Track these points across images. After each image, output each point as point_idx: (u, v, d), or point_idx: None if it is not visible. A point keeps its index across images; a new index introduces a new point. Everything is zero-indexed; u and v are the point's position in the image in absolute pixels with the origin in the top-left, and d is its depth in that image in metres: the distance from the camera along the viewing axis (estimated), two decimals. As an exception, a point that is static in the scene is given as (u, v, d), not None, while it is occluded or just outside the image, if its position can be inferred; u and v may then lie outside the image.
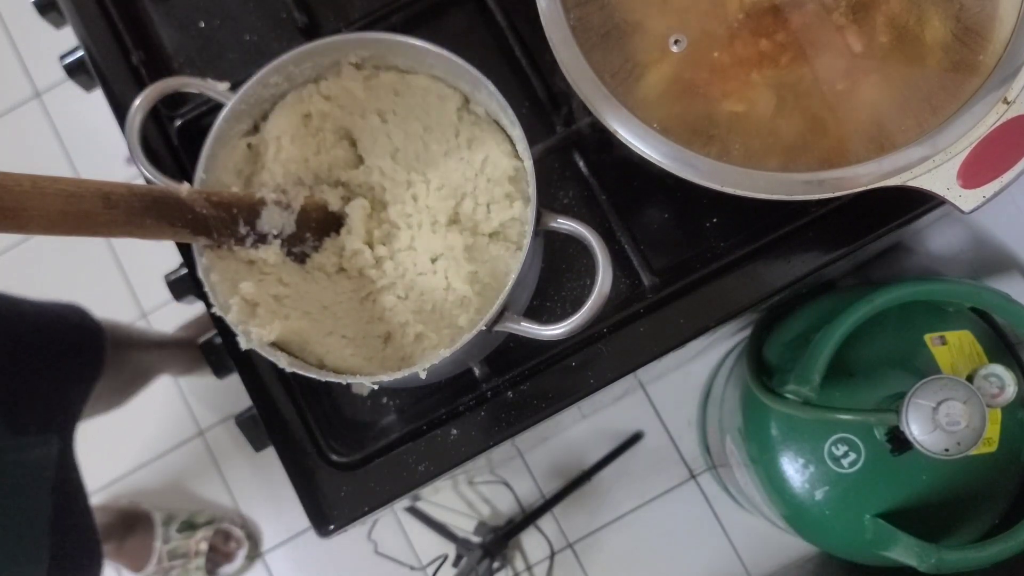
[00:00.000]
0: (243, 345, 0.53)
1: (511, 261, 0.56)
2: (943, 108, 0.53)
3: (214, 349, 0.66)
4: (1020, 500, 0.77)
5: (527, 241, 0.52)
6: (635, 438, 1.38)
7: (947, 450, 0.61)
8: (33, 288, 0.87)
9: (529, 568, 1.38)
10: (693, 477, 1.38)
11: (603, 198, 0.64)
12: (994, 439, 0.73)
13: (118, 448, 1.46)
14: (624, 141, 0.54)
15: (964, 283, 0.75)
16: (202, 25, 0.70)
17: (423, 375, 0.51)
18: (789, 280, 0.62)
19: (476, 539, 1.33)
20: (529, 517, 1.35)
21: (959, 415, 0.61)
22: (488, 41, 0.68)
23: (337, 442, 0.63)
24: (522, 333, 0.51)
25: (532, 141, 0.55)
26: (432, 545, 1.38)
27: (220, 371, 0.66)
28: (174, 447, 1.48)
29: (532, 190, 0.53)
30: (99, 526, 0.85)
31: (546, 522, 1.37)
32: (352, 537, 1.37)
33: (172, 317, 1.43)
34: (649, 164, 0.54)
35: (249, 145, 0.60)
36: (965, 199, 0.51)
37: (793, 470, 0.77)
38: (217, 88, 0.59)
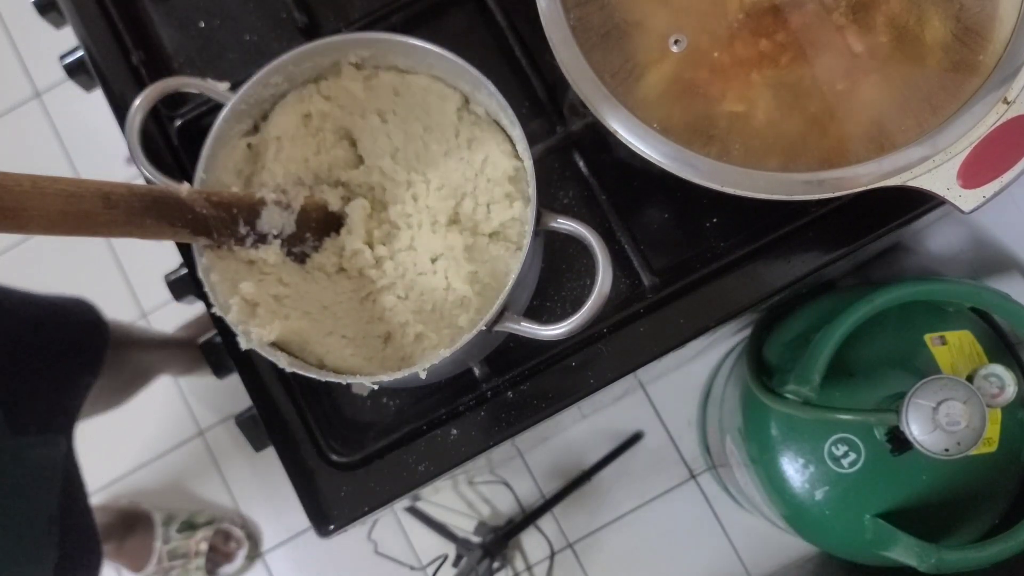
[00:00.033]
0: (243, 345, 0.53)
1: (511, 261, 0.56)
2: (943, 108, 0.53)
3: (214, 349, 0.66)
4: (1020, 500, 0.77)
5: (527, 241, 0.52)
6: (635, 438, 1.38)
7: (947, 450, 0.61)
8: (33, 288, 0.87)
9: (529, 568, 1.38)
10: (693, 477, 1.38)
11: (603, 198, 0.64)
12: (994, 439, 0.73)
13: (118, 448, 1.46)
14: (624, 141, 0.54)
15: (964, 283, 0.75)
16: (202, 25, 0.70)
17: (423, 375, 0.51)
18: (789, 280, 0.62)
19: (476, 539, 1.33)
20: (529, 517, 1.35)
21: (959, 415, 0.61)
22: (488, 41, 0.68)
23: (337, 442, 0.63)
24: (522, 333, 0.51)
25: (532, 141, 0.55)
26: (432, 545, 1.38)
27: (220, 371, 0.66)
28: (174, 447, 1.48)
29: (532, 190, 0.53)
30: (99, 526, 0.85)
31: (546, 522, 1.37)
32: (352, 537, 1.37)
33: (172, 317, 1.43)
34: (649, 164, 0.54)
35: (249, 145, 0.60)
36: (965, 199, 0.51)
37: (793, 470, 0.77)
38: (217, 88, 0.59)
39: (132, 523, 1.41)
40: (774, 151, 0.55)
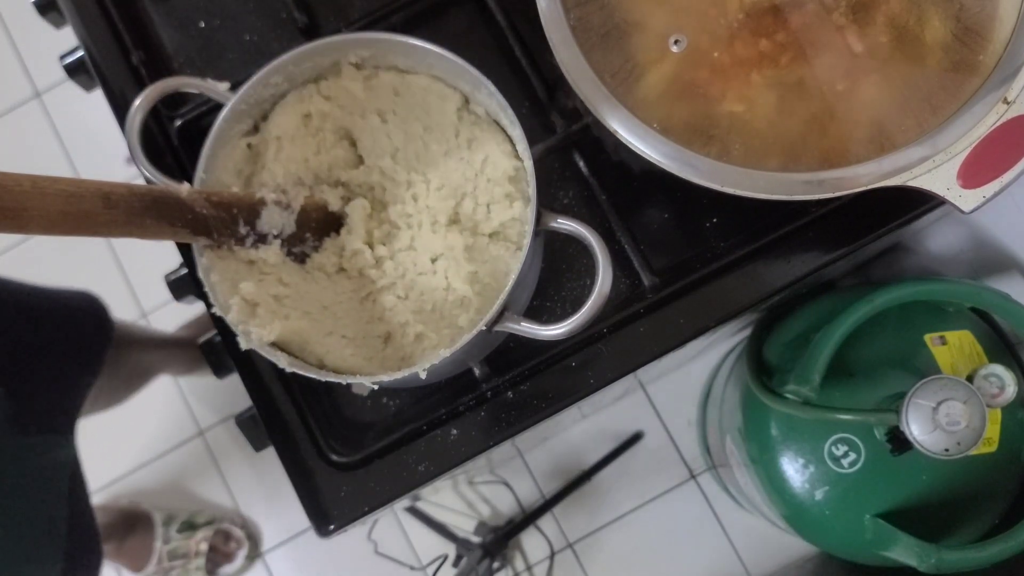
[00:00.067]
0: (243, 345, 0.53)
1: (511, 261, 0.56)
2: (943, 108, 0.53)
3: (214, 349, 0.66)
4: (1020, 500, 0.77)
5: (527, 241, 0.52)
6: (635, 438, 1.38)
7: (947, 450, 0.61)
8: (33, 288, 0.87)
9: (529, 568, 1.38)
10: (693, 477, 1.38)
11: (603, 198, 0.64)
12: (994, 439, 0.73)
13: (118, 448, 1.46)
14: (624, 141, 0.54)
15: (964, 283, 0.75)
16: (202, 25, 0.70)
17: (423, 375, 0.51)
18: (789, 280, 0.62)
19: (476, 539, 1.33)
20: (529, 517, 1.35)
21: (959, 415, 0.61)
22: (488, 41, 0.68)
23: (337, 442, 0.63)
24: (522, 333, 0.51)
25: (532, 141, 0.55)
26: (432, 545, 1.38)
27: (220, 371, 0.66)
28: (174, 447, 1.48)
29: (532, 190, 0.53)
30: (99, 526, 0.85)
31: (546, 522, 1.37)
32: (352, 537, 1.37)
33: (172, 317, 1.43)
34: (649, 164, 0.54)
35: (249, 145, 0.60)
36: (965, 199, 0.51)
37: (793, 470, 0.77)
38: (217, 88, 0.59)
39: (132, 523, 1.41)
40: (774, 151, 0.55)
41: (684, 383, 1.35)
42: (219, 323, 0.62)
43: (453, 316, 0.56)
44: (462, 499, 1.40)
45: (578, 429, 1.38)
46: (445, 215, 0.57)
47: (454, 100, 0.59)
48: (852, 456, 0.74)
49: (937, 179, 0.52)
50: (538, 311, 0.64)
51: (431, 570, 1.37)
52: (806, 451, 0.77)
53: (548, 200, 0.66)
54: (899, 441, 0.68)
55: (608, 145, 0.65)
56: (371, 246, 0.59)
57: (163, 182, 0.56)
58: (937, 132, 0.52)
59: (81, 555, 0.79)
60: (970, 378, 0.64)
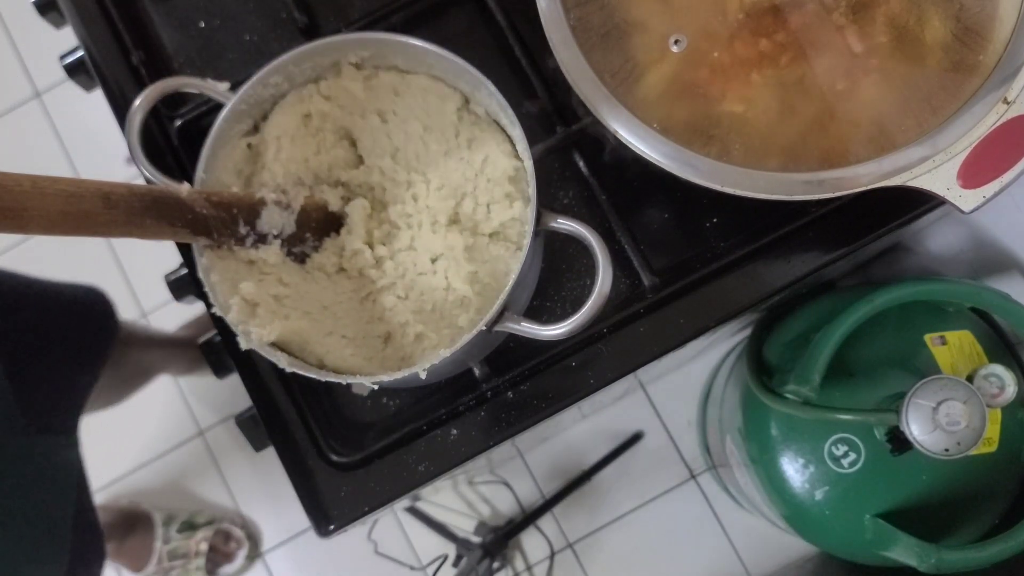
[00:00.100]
0: (243, 345, 0.53)
1: (511, 261, 0.56)
2: (943, 108, 0.53)
3: (214, 349, 0.66)
4: (1020, 500, 0.77)
5: (527, 241, 0.52)
6: (635, 438, 1.38)
7: (947, 450, 0.61)
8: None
9: (529, 568, 1.38)
10: (693, 477, 1.38)
11: (603, 198, 0.64)
12: (994, 439, 0.73)
13: (118, 448, 1.46)
14: (624, 141, 0.54)
15: (964, 283, 0.75)
16: (202, 25, 0.70)
17: (423, 375, 0.51)
18: (789, 280, 0.62)
19: (476, 539, 1.33)
20: (529, 517, 1.35)
21: (959, 415, 0.61)
22: (488, 41, 0.68)
23: (337, 442, 0.63)
24: (522, 333, 0.51)
25: (532, 141, 0.55)
26: (432, 545, 1.38)
27: (220, 371, 0.66)
28: (174, 447, 1.48)
29: (532, 190, 0.53)
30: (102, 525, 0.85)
31: (546, 522, 1.37)
32: (352, 537, 1.37)
33: (172, 317, 1.43)
34: (649, 164, 0.54)
35: (249, 145, 0.60)
36: (965, 199, 0.51)
37: (793, 470, 0.77)
38: (217, 88, 0.59)
39: (132, 523, 1.41)
40: (774, 151, 0.55)
41: (684, 383, 1.35)
42: (219, 323, 0.62)
43: (453, 316, 0.56)
44: (462, 499, 1.40)
45: (578, 429, 1.38)
46: (445, 215, 0.57)
47: (454, 100, 0.59)
48: (852, 456, 0.74)
49: (937, 179, 0.52)
50: (538, 311, 0.64)
51: (431, 570, 1.37)
52: (806, 451, 0.77)
53: (548, 200, 0.66)
54: (899, 441, 0.68)
55: (608, 145, 0.65)
56: (371, 246, 0.59)
57: (163, 182, 0.56)
58: (937, 132, 0.52)
59: (85, 554, 0.79)
60: (970, 378, 0.64)
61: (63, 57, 0.72)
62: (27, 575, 0.70)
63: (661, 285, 0.62)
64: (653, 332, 0.62)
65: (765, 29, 0.56)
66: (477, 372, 0.62)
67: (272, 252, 0.56)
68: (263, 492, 1.45)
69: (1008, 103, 0.52)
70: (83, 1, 0.69)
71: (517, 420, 0.62)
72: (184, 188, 0.52)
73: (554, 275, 0.65)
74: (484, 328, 0.51)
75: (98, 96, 0.70)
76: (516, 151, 0.58)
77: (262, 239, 0.56)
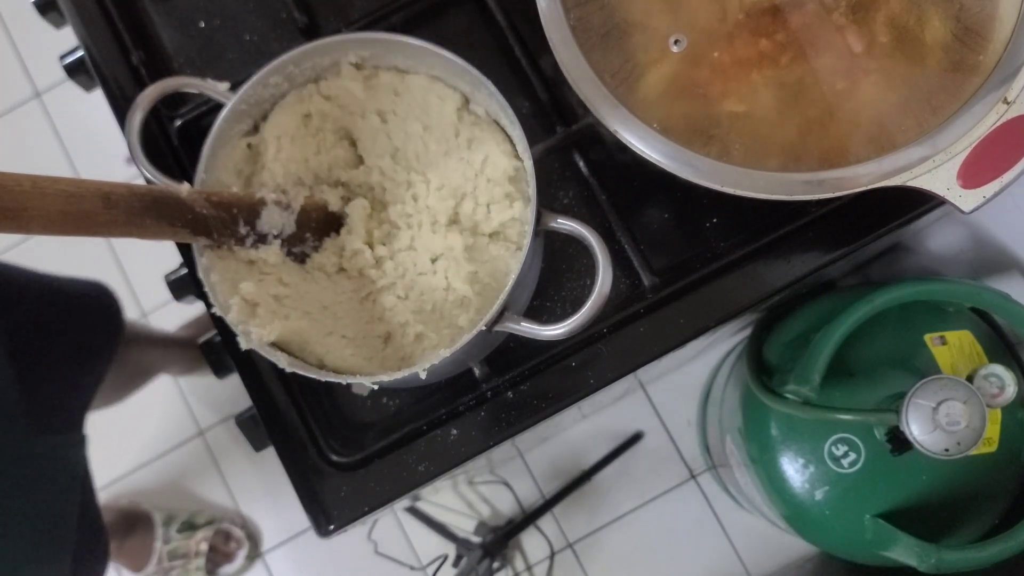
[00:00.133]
0: (243, 345, 0.53)
1: (511, 261, 0.56)
2: (943, 108, 0.53)
3: (214, 349, 0.66)
4: (1020, 500, 0.77)
5: (527, 241, 0.52)
6: (635, 438, 1.38)
7: (947, 450, 0.61)
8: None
9: (529, 568, 1.38)
10: (693, 477, 1.38)
11: (603, 198, 0.64)
12: (994, 439, 0.73)
13: (118, 448, 1.46)
14: (624, 141, 0.54)
15: (964, 283, 0.75)
16: (202, 25, 0.70)
17: (423, 375, 0.51)
18: (789, 280, 0.62)
19: (476, 539, 1.33)
20: (529, 517, 1.35)
21: (959, 415, 0.61)
22: (488, 41, 0.68)
23: (337, 442, 0.63)
24: (522, 333, 0.51)
25: (532, 141, 0.55)
26: (432, 545, 1.38)
27: (220, 371, 0.66)
28: (174, 447, 1.48)
29: (532, 190, 0.53)
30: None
31: (546, 522, 1.37)
32: (352, 537, 1.37)
33: (172, 317, 1.43)
34: (649, 164, 0.54)
35: (249, 145, 0.60)
36: (965, 199, 0.51)
37: (793, 470, 0.77)
38: (217, 88, 0.59)
39: (132, 523, 1.41)
40: (774, 151, 0.55)
41: (684, 383, 1.35)
42: (219, 323, 0.62)
43: (453, 316, 0.56)
44: (462, 499, 1.40)
45: (578, 429, 1.38)
46: (445, 215, 0.57)
47: (454, 100, 0.59)
48: (852, 456, 0.74)
49: (937, 179, 0.52)
50: (538, 311, 0.64)
51: (431, 570, 1.37)
52: (806, 451, 0.77)
53: (548, 200, 0.66)
54: (899, 441, 0.68)
55: (608, 145, 0.65)
56: (371, 246, 0.59)
57: (163, 182, 0.56)
58: (937, 132, 0.52)
59: (88, 554, 0.79)
60: (970, 378, 0.64)
61: (63, 57, 0.72)
62: (28, 575, 0.70)
63: (661, 285, 0.62)
64: (653, 332, 0.62)
65: (765, 29, 0.56)
66: (477, 372, 0.62)
67: (272, 252, 0.56)
68: (263, 492, 1.45)
69: (1008, 103, 0.52)
70: (83, 1, 0.69)
71: (517, 420, 0.62)
72: (184, 188, 0.52)
73: (554, 275, 0.65)
74: (484, 328, 0.51)
75: (98, 96, 0.70)
76: (516, 151, 0.58)
77: (262, 239, 0.56)
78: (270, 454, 0.65)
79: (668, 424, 1.39)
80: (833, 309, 0.76)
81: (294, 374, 0.53)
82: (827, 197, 0.53)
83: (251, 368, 0.64)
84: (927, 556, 0.66)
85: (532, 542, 1.38)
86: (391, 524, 1.40)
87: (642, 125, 0.54)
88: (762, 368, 0.83)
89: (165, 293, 0.67)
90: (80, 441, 0.81)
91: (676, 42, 0.56)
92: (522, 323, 0.51)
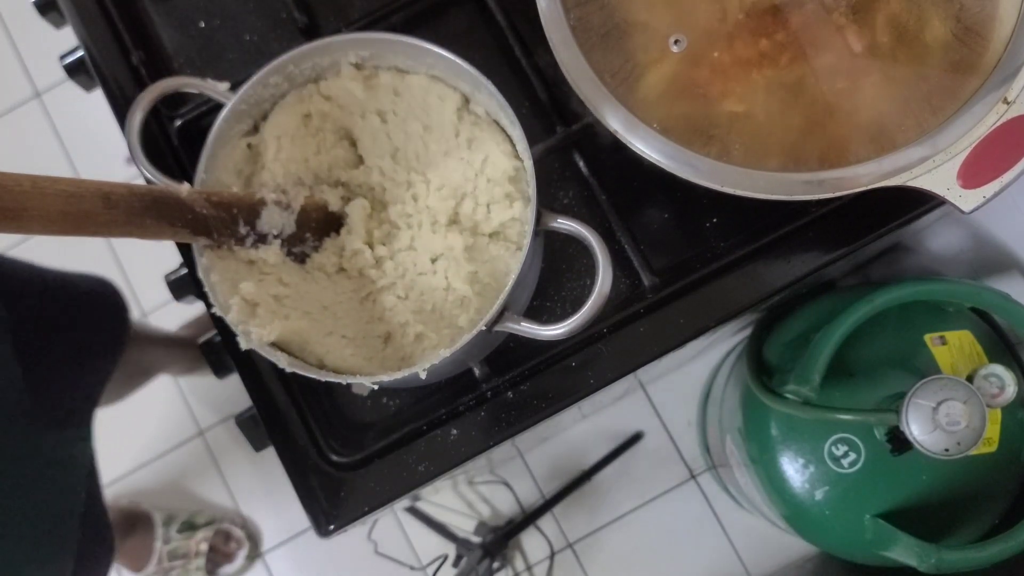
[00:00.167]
0: (243, 345, 0.53)
1: (511, 261, 0.56)
2: (943, 108, 0.53)
3: (214, 349, 0.66)
4: (1020, 500, 0.77)
5: (527, 241, 0.52)
6: (635, 438, 1.38)
7: (947, 450, 0.61)
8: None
9: (529, 568, 1.38)
10: (693, 477, 1.38)
11: (603, 198, 0.64)
12: (994, 439, 0.73)
13: (118, 448, 1.46)
14: (624, 141, 0.54)
15: (964, 283, 0.75)
16: (202, 25, 0.70)
17: (423, 375, 0.51)
18: (789, 280, 0.62)
19: (476, 539, 1.33)
20: (529, 517, 1.35)
21: (959, 415, 0.61)
22: (488, 41, 0.68)
23: (337, 442, 0.63)
24: (522, 333, 0.51)
25: (532, 141, 0.55)
26: (432, 545, 1.38)
27: (220, 371, 0.66)
28: (174, 447, 1.48)
29: (532, 190, 0.53)
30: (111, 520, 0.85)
31: (546, 522, 1.37)
32: (352, 537, 1.37)
33: (172, 317, 1.43)
34: (649, 164, 0.54)
35: (249, 145, 0.60)
36: (965, 199, 0.51)
37: (793, 470, 0.77)
38: (217, 88, 0.59)
39: (132, 523, 1.41)
40: (774, 151, 0.55)
41: (684, 383, 1.35)
42: (219, 323, 0.62)
43: (453, 316, 0.56)
44: (462, 499, 1.40)
45: (578, 429, 1.38)
46: (445, 215, 0.57)
47: (454, 100, 0.59)
48: (852, 456, 0.74)
49: (937, 179, 0.52)
50: (538, 311, 0.64)
51: (431, 570, 1.37)
52: (806, 451, 0.77)
53: (548, 200, 0.66)
54: (899, 441, 0.68)
55: (608, 145, 0.65)
56: (371, 246, 0.59)
57: (163, 182, 0.56)
58: (937, 132, 0.52)
59: (93, 550, 0.79)
60: (970, 378, 0.64)
61: (63, 57, 0.72)
62: (31, 573, 0.70)
63: (661, 285, 0.62)
64: (653, 332, 0.62)
65: (765, 29, 0.56)
66: (477, 372, 0.62)
67: (272, 252, 0.56)
68: (263, 492, 1.45)
69: (1008, 103, 0.52)
70: (83, 1, 0.69)
71: (517, 420, 0.62)
72: (184, 188, 0.52)
73: (554, 275, 0.65)
74: (484, 328, 0.51)
75: (98, 96, 0.70)
76: (516, 151, 0.58)
77: (262, 239, 0.56)
78: (270, 454, 0.65)
79: (668, 424, 1.39)
80: (833, 309, 0.76)
81: (294, 374, 0.53)
82: (827, 197, 0.53)
83: (251, 368, 0.64)
84: (927, 556, 0.66)
85: (532, 542, 1.38)
86: (391, 524, 1.40)
87: (642, 125, 0.54)
88: (762, 368, 0.83)
89: (165, 293, 0.67)
90: (86, 437, 0.80)
91: (676, 42, 0.56)
92: (522, 323, 0.51)
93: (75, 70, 0.72)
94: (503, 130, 0.58)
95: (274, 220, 0.56)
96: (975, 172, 0.51)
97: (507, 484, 1.39)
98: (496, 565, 1.32)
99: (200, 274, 0.54)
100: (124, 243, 1.47)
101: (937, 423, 0.61)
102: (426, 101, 0.59)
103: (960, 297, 0.74)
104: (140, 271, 1.51)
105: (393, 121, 0.60)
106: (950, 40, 0.54)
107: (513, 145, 0.58)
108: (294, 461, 0.63)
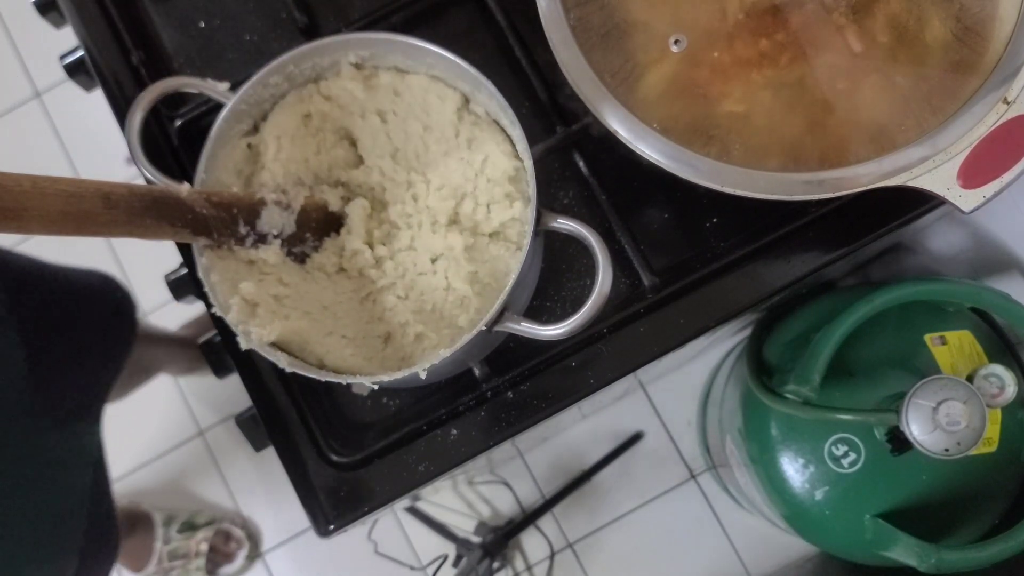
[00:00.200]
0: (243, 345, 0.53)
1: (511, 261, 0.56)
2: (943, 108, 0.53)
3: (214, 349, 0.66)
4: (1020, 500, 0.77)
5: (527, 241, 0.52)
6: (635, 438, 1.38)
7: (947, 450, 0.61)
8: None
9: (529, 568, 1.38)
10: (693, 477, 1.38)
11: (603, 198, 0.64)
12: (994, 439, 0.73)
13: (118, 448, 1.44)
14: (624, 141, 0.54)
15: (964, 283, 0.75)
16: (202, 25, 0.70)
17: (423, 375, 0.51)
18: (789, 280, 0.62)
19: (476, 539, 1.33)
20: (529, 517, 1.35)
21: (959, 415, 0.61)
22: (488, 41, 0.68)
23: (337, 442, 0.63)
24: (522, 333, 0.51)
25: (532, 141, 0.55)
26: (432, 545, 1.38)
27: (220, 371, 0.66)
28: (174, 447, 1.48)
29: (532, 190, 0.53)
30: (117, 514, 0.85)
31: (546, 522, 1.37)
32: (352, 537, 1.37)
33: (172, 317, 1.43)
34: (649, 164, 0.54)
35: (249, 145, 0.60)
36: (965, 199, 0.51)
37: (793, 470, 0.77)
38: (217, 88, 0.59)
39: (132, 523, 1.41)
40: (774, 151, 0.55)
41: (684, 383, 1.35)
42: (219, 323, 0.62)
43: (453, 316, 0.56)
44: (462, 499, 1.40)
45: (578, 429, 1.38)
46: (445, 215, 0.57)
47: (454, 100, 0.59)
48: (852, 456, 0.74)
49: (937, 179, 0.52)
50: (538, 311, 0.64)
51: (431, 570, 1.37)
52: (806, 451, 0.77)
53: (548, 200, 0.66)
54: (899, 441, 0.68)
55: (608, 145, 0.65)
56: (371, 246, 0.59)
57: (163, 182, 0.56)
58: (937, 132, 0.52)
59: (98, 546, 0.79)
60: (970, 378, 0.64)
61: (63, 57, 0.72)
62: (31, 572, 0.70)
63: (661, 285, 0.62)
64: (653, 332, 0.62)
65: (765, 29, 0.56)
66: (477, 372, 0.62)
67: (272, 252, 0.56)
68: (263, 492, 1.45)
69: (1008, 103, 0.52)
70: (83, 1, 0.69)
71: (517, 420, 0.62)
72: (184, 188, 0.52)
73: (554, 275, 0.65)
74: (484, 328, 0.51)
75: (98, 96, 0.70)
76: (516, 151, 0.58)
77: (262, 239, 0.56)
78: (270, 454, 0.65)
79: (668, 424, 1.39)
80: (833, 309, 0.76)
81: (294, 374, 0.53)
82: (827, 197, 0.53)
83: (251, 368, 0.64)
84: (927, 556, 0.66)
85: (532, 542, 1.38)
86: (391, 524, 1.40)
87: (642, 125, 0.54)
88: (762, 368, 0.83)
89: (165, 293, 0.67)
90: (94, 433, 0.80)
91: (676, 42, 0.56)
92: (522, 323, 0.51)
93: (75, 70, 0.72)
94: (503, 130, 0.58)
95: (274, 220, 0.56)
96: (975, 172, 0.51)
97: (507, 484, 1.39)
98: (496, 565, 1.32)
99: (200, 274, 0.54)
100: (124, 243, 1.47)
101: (937, 423, 0.61)
102: (426, 101, 0.59)
103: (960, 297, 0.74)
104: (140, 271, 1.51)
105: (393, 121, 0.60)
106: (950, 40, 0.54)
107: (513, 145, 0.58)
108: (294, 461, 0.63)
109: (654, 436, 1.38)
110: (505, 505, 1.39)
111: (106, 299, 0.88)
